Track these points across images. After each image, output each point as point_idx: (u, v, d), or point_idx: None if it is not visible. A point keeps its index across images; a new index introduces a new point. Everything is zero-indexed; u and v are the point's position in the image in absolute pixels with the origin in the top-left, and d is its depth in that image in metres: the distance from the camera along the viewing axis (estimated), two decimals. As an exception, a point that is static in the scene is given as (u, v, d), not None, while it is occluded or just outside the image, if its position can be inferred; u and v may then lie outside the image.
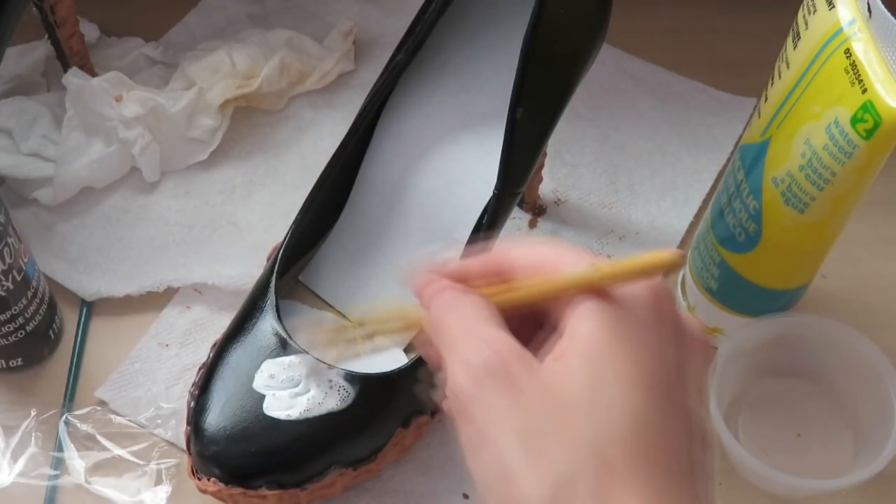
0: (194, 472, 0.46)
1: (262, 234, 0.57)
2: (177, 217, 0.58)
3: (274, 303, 0.48)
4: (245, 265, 0.55)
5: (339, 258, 0.53)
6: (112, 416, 0.51)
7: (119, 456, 0.50)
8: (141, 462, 0.50)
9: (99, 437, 0.51)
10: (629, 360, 0.31)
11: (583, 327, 0.31)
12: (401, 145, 0.52)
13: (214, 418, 0.46)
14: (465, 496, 0.49)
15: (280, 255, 0.49)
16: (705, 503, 0.31)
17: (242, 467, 0.45)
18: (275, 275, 0.48)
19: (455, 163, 0.51)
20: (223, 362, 0.47)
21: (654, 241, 0.57)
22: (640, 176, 0.60)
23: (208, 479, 0.46)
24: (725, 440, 0.48)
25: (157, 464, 0.50)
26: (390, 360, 0.49)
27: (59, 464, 0.50)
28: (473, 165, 0.51)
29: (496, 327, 0.32)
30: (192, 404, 0.47)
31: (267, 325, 0.48)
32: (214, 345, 0.49)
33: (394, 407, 0.48)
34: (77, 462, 0.50)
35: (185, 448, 0.47)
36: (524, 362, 0.31)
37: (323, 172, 0.51)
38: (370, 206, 0.53)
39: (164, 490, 0.50)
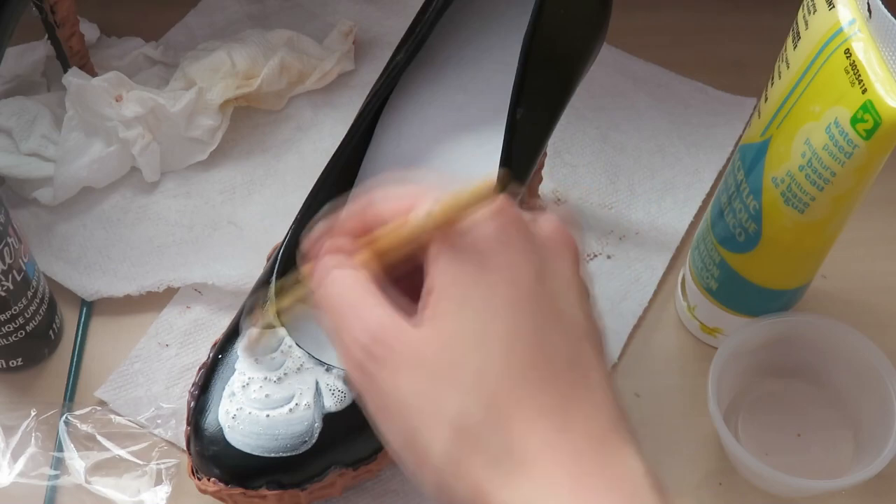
0: (194, 473, 0.46)
1: (262, 234, 0.56)
2: (177, 217, 0.58)
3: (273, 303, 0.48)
4: (245, 265, 0.55)
5: None
6: (112, 416, 0.51)
7: (119, 456, 0.50)
8: (141, 462, 0.50)
9: (99, 437, 0.51)
10: (484, 293, 0.32)
11: (436, 278, 0.32)
12: (400, 146, 0.52)
13: (214, 418, 0.46)
14: None
15: (280, 254, 0.49)
16: (601, 392, 0.32)
17: (242, 467, 0.45)
18: (274, 275, 0.48)
19: (455, 163, 0.51)
20: (223, 362, 0.47)
21: (654, 241, 0.58)
22: (641, 176, 0.60)
23: (208, 480, 0.45)
24: (725, 440, 0.48)
25: (157, 464, 0.50)
26: None
27: (58, 464, 0.50)
28: (473, 165, 0.51)
29: (371, 302, 0.33)
30: (192, 404, 0.47)
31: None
32: (214, 345, 0.49)
33: None
34: (77, 462, 0.50)
35: (184, 448, 0.47)
36: (397, 333, 0.32)
37: (323, 172, 0.51)
38: None
39: (164, 490, 0.50)
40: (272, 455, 0.45)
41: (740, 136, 0.54)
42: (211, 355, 0.48)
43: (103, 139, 0.58)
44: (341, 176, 0.52)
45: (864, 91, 0.39)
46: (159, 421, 0.51)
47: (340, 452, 0.46)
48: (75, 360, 0.54)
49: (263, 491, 0.45)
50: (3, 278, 0.48)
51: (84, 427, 0.51)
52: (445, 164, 0.51)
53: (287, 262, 0.50)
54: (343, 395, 0.46)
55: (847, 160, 0.41)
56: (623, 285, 0.56)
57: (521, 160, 0.48)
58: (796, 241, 0.46)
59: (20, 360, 0.53)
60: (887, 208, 0.58)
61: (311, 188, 0.51)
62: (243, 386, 0.46)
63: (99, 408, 0.52)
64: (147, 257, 0.57)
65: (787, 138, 0.43)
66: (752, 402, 0.52)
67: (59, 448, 0.50)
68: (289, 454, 0.45)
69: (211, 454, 0.45)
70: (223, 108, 0.59)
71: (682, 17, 0.66)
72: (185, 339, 0.54)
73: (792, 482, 0.47)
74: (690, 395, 0.52)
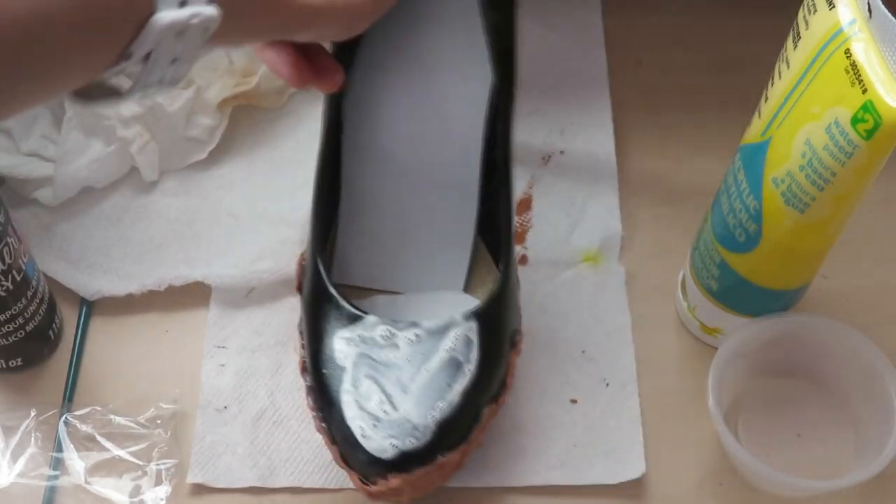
0: (365, 482, 0.45)
1: (262, 225, 0.57)
2: (177, 215, 0.58)
3: (345, 301, 0.48)
4: (246, 256, 0.55)
5: (360, 243, 0.52)
6: (112, 417, 0.51)
7: (119, 456, 0.50)
8: (141, 462, 0.50)
9: (98, 438, 0.51)
10: None
11: None
12: (377, 105, 0.51)
13: (355, 423, 0.45)
14: (573, 401, 0.52)
15: (312, 252, 0.50)
16: None
17: (415, 450, 0.45)
18: (323, 274, 0.48)
19: (436, 93, 0.50)
20: (330, 375, 0.47)
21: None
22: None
23: (384, 479, 0.45)
24: (726, 440, 0.48)
25: (157, 464, 0.50)
26: (462, 302, 0.50)
27: (58, 464, 0.50)
28: (457, 86, 0.50)
29: None
30: (325, 425, 0.47)
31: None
32: (303, 369, 0.49)
33: (504, 330, 0.49)
34: (76, 462, 0.50)
35: (340, 466, 0.47)
36: None
37: (319, 154, 0.51)
38: (367, 178, 0.52)
39: (164, 490, 0.50)
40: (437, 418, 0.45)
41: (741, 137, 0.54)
42: (310, 378, 0.48)
43: (102, 139, 0.58)
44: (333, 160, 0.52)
45: (864, 91, 0.39)
46: (159, 421, 0.51)
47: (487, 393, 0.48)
48: (75, 360, 0.54)
49: (440, 459, 0.45)
50: (2, 278, 0.48)
51: (84, 427, 0.51)
52: (425, 105, 0.51)
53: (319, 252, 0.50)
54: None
55: (847, 160, 0.41)
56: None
57: (504, 47, 0.49)
58: (797, 242, 0.46)
59: (20, 360, 0.53)
60: (888, 208, 0.59)
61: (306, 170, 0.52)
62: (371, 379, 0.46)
63: (98, 408, 0.52)
64: (148, 255, 0.57)
65: (788, 138, 0.43)
66: (752, 403, 0.52)
67: (59, 448, 0.51)
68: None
69: (373, 458, 0.45)
70: (222, 106, 0.59)
71: (683, 18, 0.66)
72: (236, 394, 0.53)
73: (792, 482, 0.47)
74: (691, 395, 0.52)
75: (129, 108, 0.57)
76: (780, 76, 0.44)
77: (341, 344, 0.47)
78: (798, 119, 0.43)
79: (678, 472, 0.51)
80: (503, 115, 0.50)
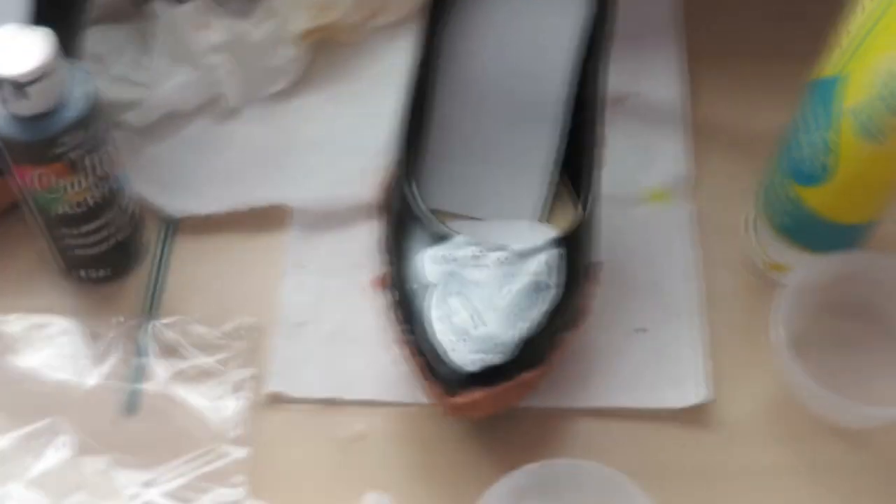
0: (449, 392, 0.46)
1: (341, 154, 0.58)
2: (259, 141, 0.59)
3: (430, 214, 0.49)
4: (327, 183, 0.57)
5: (443, 170, 0.53)
6: (195, 326, 0.53)
7: (200, 364, 0.52)
8: (222, 370, 0.52)
9: (181, 346, 0.52)
10: None
11: None
12: (471, 37, 0.52)
13: (446, 336, 0.46)
14: (642, 329, 0.53)
15: (401, 174, 0.51)
16: None
17: (500, 365, 0.46)
18: (413, 194, 0.49)
19: (531, 26, 0.52)
20: (417, 291, 0.48)
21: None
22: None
23: (468, 391, 0.46)
24: (788, 367, 0.48)
25: (238, 373, 0.52)
26: (539, 231, 0.51)
27: (141, 369, 0.52)
28: (554, 17, 0.51)
29: None
30: (413, 338, 0.47)
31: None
32: (382, 286, 0.50)
33: (585, 259, 0.50)
34: (160, 368, 0.52)
35: (423, 381, 0.47)
36: None
37: (408, 85, 0.52)
38: (455, 107, 0.53)
39: (244, 397, 0.51)
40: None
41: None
42: (396, 293, 0.49)
43: (189, 65, 0.60)
44: (423, 85, 0.53)
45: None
46: (242, 332, 0.53)
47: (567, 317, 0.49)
48: (160, 274, 0.56)
49: (524, 376, 0.46)
50: (98, 186, 0.50)
51: (168, 334, 0.53)
52: (520, 31, 0.52)
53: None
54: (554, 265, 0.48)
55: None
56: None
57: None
58: (871, 172, 0.47)
59: (108, 270, 0.55)
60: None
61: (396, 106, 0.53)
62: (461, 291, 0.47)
63: (182, 317, 0.53)
64: (231, 179, 0.58)
65: (868, 69, 0.44)
66: (817, 340, 0.52)
67: (143, 354, 0.52)
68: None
69: (459, 371, 0.46)
70: (304, 38, 0.61)
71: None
72: (314, 310, 0.54)
73: (856, 408, 0.48)
74: (757, 329, 0.52)
75: (216, 36, 0.59)
76: (862, 8, 0.45)
77: (430, 262, 0.48)
78: (879, 49, 0.43)
79: (740, 400, 0.52)
80: (598, 52, 0.51)
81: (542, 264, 0.48)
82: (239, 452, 0.50)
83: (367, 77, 0.62)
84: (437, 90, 0.53)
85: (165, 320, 0.53)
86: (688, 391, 0.52)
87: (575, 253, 0.49)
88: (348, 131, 0.60)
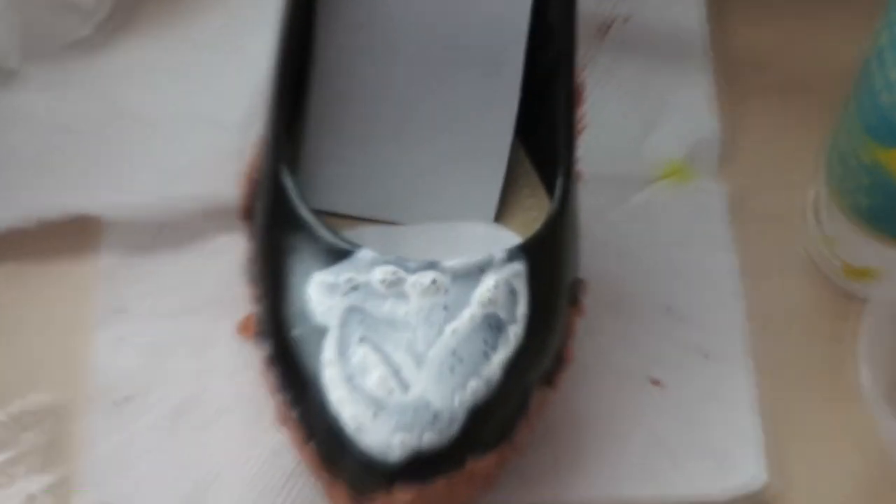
0: (358, 496, 0.46)
1: (180, 130, 0.58)
2: (52, 117, 0.58)
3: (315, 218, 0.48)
4: (155, 180, 0.56)
5: (338, 151, 0.54)
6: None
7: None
8: (6, 477, 0.51)
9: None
10: None
11: None
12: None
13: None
14: (655, 382, 0.54)
15: (272, 159, 0.50)
16: None
17: (435, 449, 0.45)
18: (290, 189, 0.49)
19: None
20: (303, 338, 0.47)
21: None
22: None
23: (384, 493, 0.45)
24: (888, 429, 0.48)
25: (30, 480, 0.51)
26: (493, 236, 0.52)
27: None
28: None
29: None
30: (297, 413, 0.47)
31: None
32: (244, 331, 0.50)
33: (563, 277, 0.50)
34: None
35: (318, 478, 0.47)
36: None
37: (282, 24, 0.51)
38: (352, 55, 0.53)
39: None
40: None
41: None
42: (270, 344, 0.48)
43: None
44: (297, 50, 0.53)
45: None
46: (35, 417, 0.52)
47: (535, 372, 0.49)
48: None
49: (474, 463, 0.45)
50: None
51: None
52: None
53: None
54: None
55: None
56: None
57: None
58: None
59: None
60: None
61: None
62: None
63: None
64: (8, 177, 0.56)
65: None
66: None
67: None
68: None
69: (371, 461, 0.45)
70: (114, -42, 0.58)
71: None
72: (144, 379, 0.53)
73: None
74: (829, 367, 0.53)
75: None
76: None
77: (320, 293, 0.47)
78: None
79: (815, 481, 0.52)
80: None
81: (497, 288, 0.47)
82: None
83: (220, 14, 0.62)
84: (327, 31, 0.53)
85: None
86: (734, 473, 0.51)
87: (546, 268, 0.48)
88: (191, 98, 0.59)
